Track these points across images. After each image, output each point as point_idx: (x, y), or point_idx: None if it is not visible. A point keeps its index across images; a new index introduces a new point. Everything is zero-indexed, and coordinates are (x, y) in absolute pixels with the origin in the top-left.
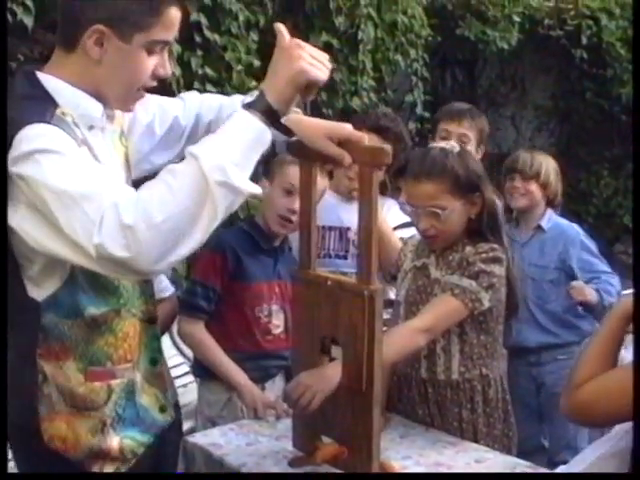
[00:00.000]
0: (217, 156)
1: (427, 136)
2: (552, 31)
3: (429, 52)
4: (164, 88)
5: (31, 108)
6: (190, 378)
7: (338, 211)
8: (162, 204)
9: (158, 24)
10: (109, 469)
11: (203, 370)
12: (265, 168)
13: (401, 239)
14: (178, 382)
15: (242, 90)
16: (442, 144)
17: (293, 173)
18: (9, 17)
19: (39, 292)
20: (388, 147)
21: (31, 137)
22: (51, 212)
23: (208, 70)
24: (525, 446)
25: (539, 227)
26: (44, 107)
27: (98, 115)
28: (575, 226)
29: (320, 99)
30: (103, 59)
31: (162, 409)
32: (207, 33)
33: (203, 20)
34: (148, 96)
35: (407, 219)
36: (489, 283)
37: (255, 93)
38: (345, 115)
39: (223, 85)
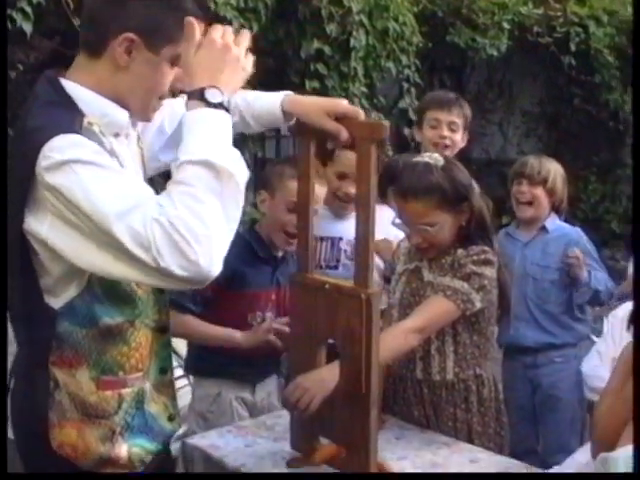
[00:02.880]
0: (212, 153)
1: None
2: (541, 38)
3: (419, 59)
4: None
5: (59, 117)
6: (183, 382)
7: (331, 223)
8: (197, 216)
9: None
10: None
11: (195, 366)
12: (262, 179)
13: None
14: None
15: None
16: (427, 158)
17: (295, 188)
18: (9, 24)
19: (56, 300)
20: (386, 122)
21: (64, 147)
22: (94, 225)
23: None
24: (519, 448)
25: (543, 227)
26: (71, 116)
27: (125, 122)
28: (579, 230)
29: None
30: (130, 67)
31: (170, 418)
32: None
33: None
34: None
35: None
36: (480, 284)
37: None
38: None
39: None
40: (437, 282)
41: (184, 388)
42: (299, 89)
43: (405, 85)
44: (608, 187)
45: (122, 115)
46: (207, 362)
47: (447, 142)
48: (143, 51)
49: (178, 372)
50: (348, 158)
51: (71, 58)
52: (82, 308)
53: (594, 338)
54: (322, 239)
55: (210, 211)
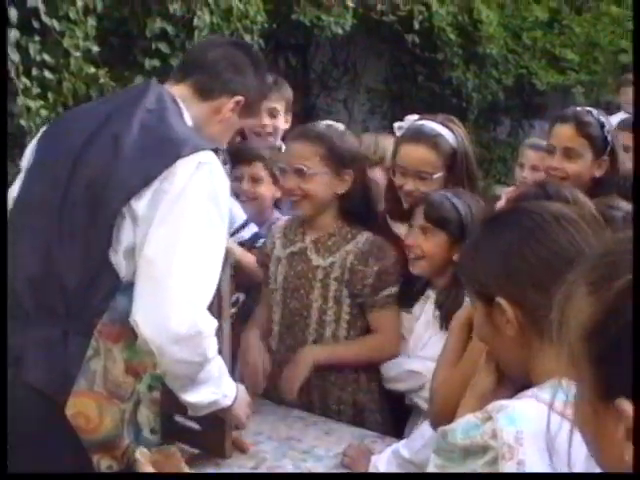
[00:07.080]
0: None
1: None
2: (385, 17)
3: (264, 38)
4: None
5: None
6: None
7: None
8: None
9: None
10: (104, 464)
11: None
12: None
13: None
14: None
15: (80, 75)
16: (329, 122)
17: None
18: None
19: (123, 272)
20: None
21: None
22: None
23: (46, 56)
24: None
25: None
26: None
27: None
28: None
29: None
30: (224, 121)
31: (153, 431)
32: (45, 19)
33: (41, 6)
34: None
35: None
36: (386, 281)
37: None
38: None
39: (61, 71)
40: (375, 299)
41: None
42: (142, 69)
43: None
44: None
45: None
46: None
47: (269, 130)
48: (236, 114)
49: None
50: None
51: None
52: None
53: None
54: None
55: None
